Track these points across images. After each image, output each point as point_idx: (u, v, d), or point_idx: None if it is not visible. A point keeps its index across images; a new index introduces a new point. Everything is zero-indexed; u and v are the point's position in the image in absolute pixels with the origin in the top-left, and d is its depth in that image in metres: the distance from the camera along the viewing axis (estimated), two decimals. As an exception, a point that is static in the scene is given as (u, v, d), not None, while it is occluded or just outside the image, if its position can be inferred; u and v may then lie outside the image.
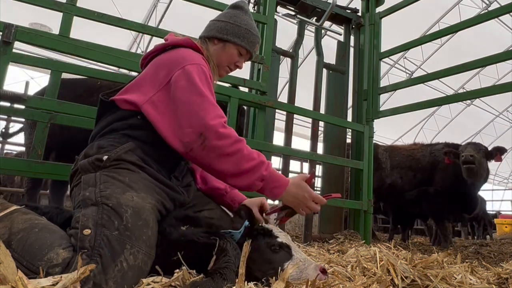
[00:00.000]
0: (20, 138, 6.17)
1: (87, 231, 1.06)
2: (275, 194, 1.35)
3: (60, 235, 1.09)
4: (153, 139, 1.35)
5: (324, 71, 3.97)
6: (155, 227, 1.18)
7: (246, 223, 1.25)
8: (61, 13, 2.34)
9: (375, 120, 3.79)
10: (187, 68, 1.35)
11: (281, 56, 3.76)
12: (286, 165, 3.86)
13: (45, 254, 1.00)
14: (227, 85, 2.81)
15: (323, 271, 1.10)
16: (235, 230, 1.24)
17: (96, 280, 0.96)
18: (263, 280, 1.11)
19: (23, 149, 6.17)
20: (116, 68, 5.33)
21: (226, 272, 1.03)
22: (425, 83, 10.00)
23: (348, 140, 4.14)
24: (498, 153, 4.10)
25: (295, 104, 3.43)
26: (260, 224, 1.32)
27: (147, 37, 11.12)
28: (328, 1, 4.00)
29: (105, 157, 1.25)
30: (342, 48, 4.19)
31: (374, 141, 3.87)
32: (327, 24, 4.11)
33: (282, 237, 1.25)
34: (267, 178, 1.31)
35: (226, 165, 1.29)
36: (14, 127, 5.49)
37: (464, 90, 14.30)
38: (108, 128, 1.38)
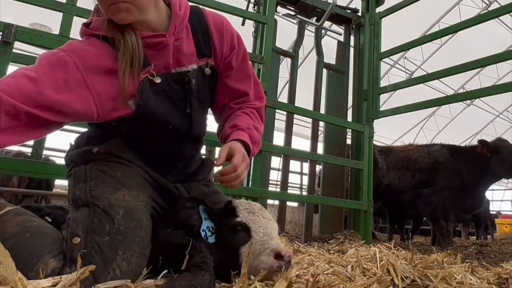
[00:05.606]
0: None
1: (76, 240, 1.03)
2: None
3: (51, 239, 1.06)
4: (136, 133, 1.28)
5: (324, 71, 3.97)
6: (149, 225, 1.15)
7: (200, 207, 1.19)
8: (61, 13, 2.34)
9: (375, 120, 3.79)
10: None
11: (281, 56, 3.76)
12: (286, 165, 3.86)
13: (34, 264, 0.98)
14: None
15: (279, 256, 0.99)
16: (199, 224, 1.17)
17: None
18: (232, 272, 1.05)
19: (22, 148, 6.16)
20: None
21: (204, 265, 1.00)
22: (425, 83, 9.99)
23: (348, 141, 4.14)
24: None
25: (295, 104, 3.43)
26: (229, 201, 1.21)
27: (147, 37, 11.08)
28: (328, 1, 4.00)
29: (95, 149, 1.22)
30: (342, 48, 4.19)
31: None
32: (327, 24, 4.11)
33: (245, 215, 1.13)
34: None
35: None
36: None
37: (464, 90, 14.28)
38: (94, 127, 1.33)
